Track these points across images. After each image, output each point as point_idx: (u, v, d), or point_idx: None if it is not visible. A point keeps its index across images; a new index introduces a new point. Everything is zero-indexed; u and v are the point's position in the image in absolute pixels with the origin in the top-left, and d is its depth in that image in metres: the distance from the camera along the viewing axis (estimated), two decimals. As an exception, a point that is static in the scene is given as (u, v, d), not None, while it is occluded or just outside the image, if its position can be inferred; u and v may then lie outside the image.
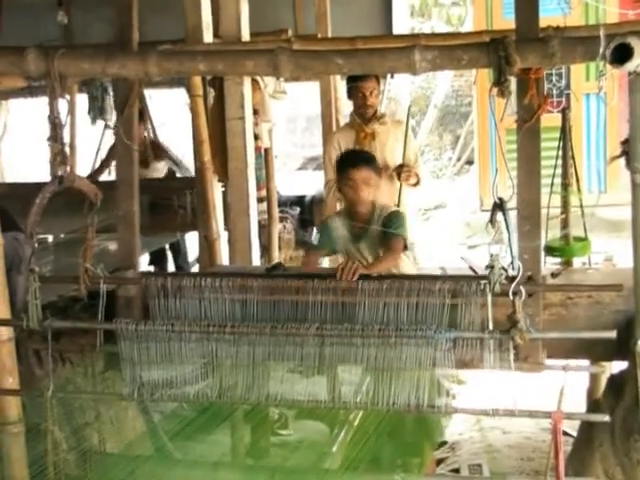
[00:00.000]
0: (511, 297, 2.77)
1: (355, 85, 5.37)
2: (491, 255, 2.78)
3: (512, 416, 2.84)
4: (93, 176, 7.15)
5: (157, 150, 7.25)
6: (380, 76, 5.58)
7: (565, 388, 2.78)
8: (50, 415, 3.12)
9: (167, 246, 7.52)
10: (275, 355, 3.04)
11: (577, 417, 3.11)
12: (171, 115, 9.07)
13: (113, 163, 7.28)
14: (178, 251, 7.65)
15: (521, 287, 2.77)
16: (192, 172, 6.73)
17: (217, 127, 5.47)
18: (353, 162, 4.25)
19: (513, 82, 2.73)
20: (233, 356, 3.05)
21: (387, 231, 4.10)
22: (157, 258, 7.65)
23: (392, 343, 2.86)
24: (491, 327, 2.82)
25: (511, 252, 2.81)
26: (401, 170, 5.31)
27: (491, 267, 2.79)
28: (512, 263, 2.81)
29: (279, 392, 3.09)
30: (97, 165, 7.40)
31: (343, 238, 4.29)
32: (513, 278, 2.79)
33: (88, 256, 3.12)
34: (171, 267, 7.86)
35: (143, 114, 7.08)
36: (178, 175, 7.42)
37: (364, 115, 5.46)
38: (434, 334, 2.83)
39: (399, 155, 5.39)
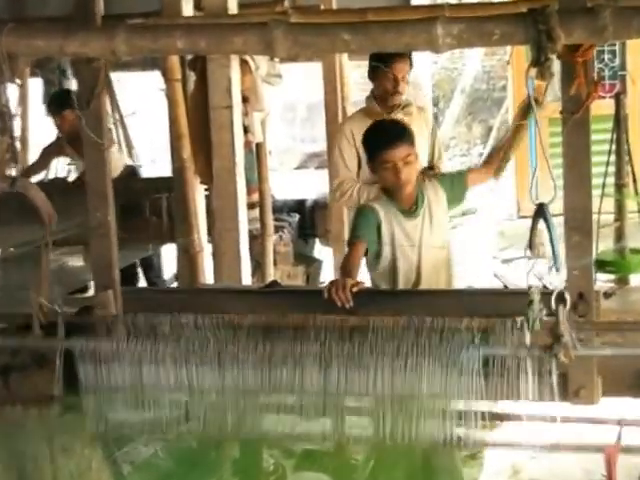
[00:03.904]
0: (553, 306, 2.73)
1: (386, 65, 5.34)
2: (529, 287, 2.73)
3: (556, 450, 2.80)
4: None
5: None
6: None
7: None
8: None
9: (137, 261, 7.50)
10: (270, 382, 2.99)
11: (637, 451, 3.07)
12: (143, 103, 9.10)
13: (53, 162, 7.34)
14: (150, 266, 7.64)
15: (566, 293, 2.73)
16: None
17: (199, 118, 5.48)
18: (387, 141, 4.31)
19: (556, 62, 2.72)
20: (218, 384, 3.02)
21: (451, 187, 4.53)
22: (125, 276, 7.61)
23: (410, 365, 2.83)
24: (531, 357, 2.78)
25: (555, 262, 2.75)
26: (430, 173, 5.30)
27: (530, 302, 2.74)
28: (555, 263, 2.74)
29: (275, 430, 3.05)
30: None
31: (392, 221, 4.34)
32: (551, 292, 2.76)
33: (44, 289, 3.10)
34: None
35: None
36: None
37: (389, 102, 5.44)
38: (461, 352, 2.78)
39: (424, 151, 5.39)
